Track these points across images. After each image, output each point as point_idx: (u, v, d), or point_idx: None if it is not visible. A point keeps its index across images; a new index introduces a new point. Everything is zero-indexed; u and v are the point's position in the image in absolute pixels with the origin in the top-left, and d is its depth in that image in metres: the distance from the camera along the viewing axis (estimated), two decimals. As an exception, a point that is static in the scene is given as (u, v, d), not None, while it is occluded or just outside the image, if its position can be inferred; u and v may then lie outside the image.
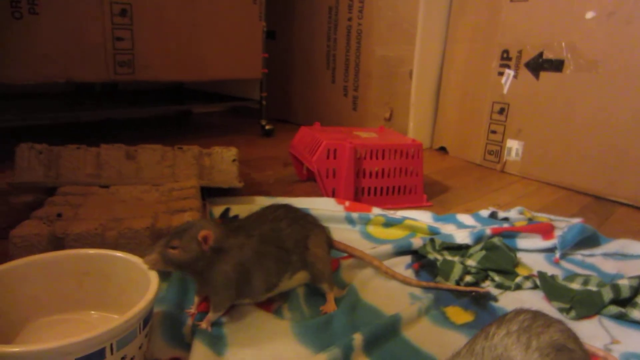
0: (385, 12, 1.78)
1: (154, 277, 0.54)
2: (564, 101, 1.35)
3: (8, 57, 1.25)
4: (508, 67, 1.49)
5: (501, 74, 1.51)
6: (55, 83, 1.37)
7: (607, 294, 0.69)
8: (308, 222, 0.68)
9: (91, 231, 0.65)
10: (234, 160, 0.99)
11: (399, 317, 0.62)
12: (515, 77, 1.48)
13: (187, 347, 0.56)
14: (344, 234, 0.91)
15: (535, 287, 0.75)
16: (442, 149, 1.78)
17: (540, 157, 1.43)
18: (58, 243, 0.65)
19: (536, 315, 0.47)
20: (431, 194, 1.22)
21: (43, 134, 1.63)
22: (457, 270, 0.76)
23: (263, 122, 1.85)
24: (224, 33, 1.65)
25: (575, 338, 0.46)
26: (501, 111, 1.53)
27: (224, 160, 0.98)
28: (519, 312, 0.47)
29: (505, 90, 1.51)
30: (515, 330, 0.45)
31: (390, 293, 0.71)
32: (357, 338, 0.57)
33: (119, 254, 0.58)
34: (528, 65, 1.44)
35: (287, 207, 0.69)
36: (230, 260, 0.58)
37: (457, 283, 0.74)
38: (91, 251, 0.59)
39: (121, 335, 0.46)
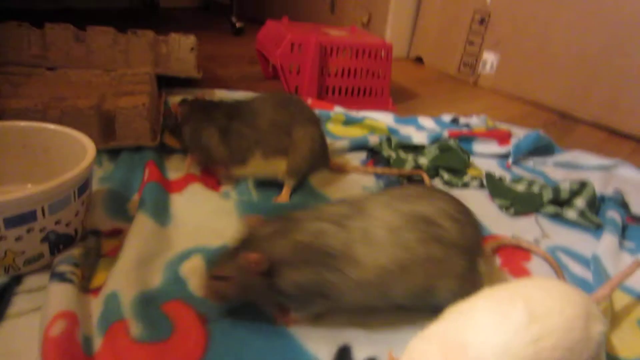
0: None
1: (91, 149, 0.52)
2: (545, 17, 1.31)
3: None
4: None
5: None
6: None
7: (547, 195, 0.72)
8: (301, 114, 0.67)
9: (31, 107, 0.63)
10: (192, 49, 0.94)
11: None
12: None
13: (130, 219, 0.57)
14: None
15: (482, 186, 0.77)
16: (419, 60, 1.73)
17: (513, 72, 1.41)
18: (-4, 117, 0.62)
19: (426, 189, 0.47)
20: (398, 99, 1.20)
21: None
22: (408, 166, 0.77)
23: (234, 20, 1.76)
24: None
25: (455, 218, 0.44)
26: (481, 21, 1.48)
27: (181, 48, 0.93)
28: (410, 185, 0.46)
29: (488, 2, 1.45)
30: (396, 195, 0.45)
31: (345, 185, 0.72)
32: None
33: (58, 127, 0.56)
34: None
35: (292, 98, 0.68)
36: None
37: (407, 178, 0.76)
38: (27, 123, 0.57)
39: (53, 199, 0.46)
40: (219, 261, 0.43)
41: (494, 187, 0.76)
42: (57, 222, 0.47)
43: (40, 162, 0.58)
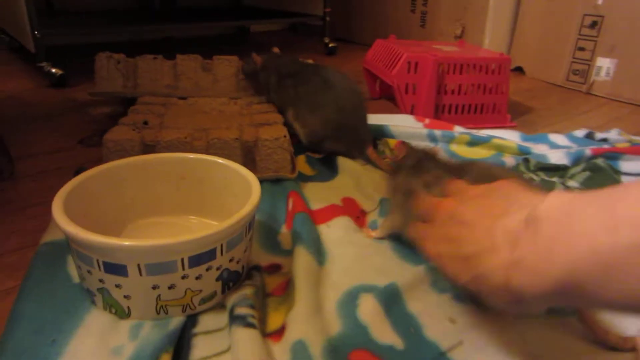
0: None
1: (255, 183, 0.52)
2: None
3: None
4: None
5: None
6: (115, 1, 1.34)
7: None
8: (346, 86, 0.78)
9: (181, 139, 0.64)
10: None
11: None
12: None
13: (285, 253, 0.55)
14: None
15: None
16: (518, 69, 1.64)
17: (635, 77, 1.29)
18: (148, 150, 0.64)
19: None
20: (513, 114, 1.13)
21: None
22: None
23: (326, 40, 1.76)
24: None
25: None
26: (593, 25, 1.37)
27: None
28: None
29: (600, 1, 1.34)
30: None
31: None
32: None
33: (217, 159, 0.57)
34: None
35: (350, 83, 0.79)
36: None
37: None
38: (186, 155, 0.58)
39: (231, 237, 0.45)
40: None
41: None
42: (231, 260, 0.47)
43: (197, 192, 0.58)
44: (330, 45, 1.75)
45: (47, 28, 1.21)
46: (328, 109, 0.75)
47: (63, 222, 0.42)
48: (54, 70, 1.21)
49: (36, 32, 1.17)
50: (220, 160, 0.56)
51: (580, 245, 0.28)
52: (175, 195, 0.58)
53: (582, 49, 1.41)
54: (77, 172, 0.71)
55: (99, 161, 0.58)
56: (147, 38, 1.90)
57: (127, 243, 0.41)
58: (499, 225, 0.34)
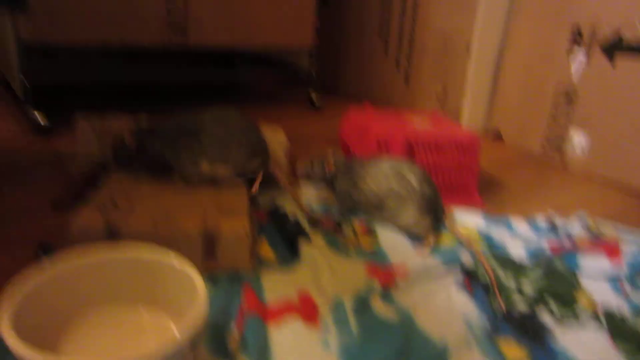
0: (448, -17, 1.66)
1: (202, 292, 0.53)
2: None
3: (62, 19, 1.24)
4: (579, 44, 1.36)
5: (571, 52, 1.38)
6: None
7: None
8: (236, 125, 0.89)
9: (145, 229, 0.66)
10: (280, 143, 0.97)
11: (447, 349, 0.60)
12: (586, 62, 1.35)
13: (230, 357, 0.56)
14: (392, 237, 0.88)
15: (597, 318, 0.70)
16: (497, 135, 1.68)
17: (608, 154, 1.33)
18: (114, 234, 0.67)
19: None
20: (484, 190, 1.16)
21: (88, 92, 1.65)
22: (511, 293, 0.72)
23: (312, 95, 1.80)
24: (276, -1, 1.59)
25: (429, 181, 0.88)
26: (567, 98, 1.42)
27: (270, 143, 0.96)
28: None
29: (575, 76, 1.39)
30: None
31: (445, 319, 0.68)
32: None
33: (173, 261, 0.58)
34: (603, 47, 1.30)
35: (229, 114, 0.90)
36: None
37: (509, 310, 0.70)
38: (145, 255, 0.60)
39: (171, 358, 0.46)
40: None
41: (615, 327, 0.68)
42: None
43: (150, 287, 0.60)
44: (316, 104, 1.79)
45: (34, 73, 1.20)
46: (241, 142, 0.87)
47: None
48: (39, 117, 1.21)
49: (22, 77, 1.17)
50: (175, 262, 0.58)
51: None
52: (129, 288, 0.60)
53: (556, 119, 1.45)
54: (41, 248, 0.73)
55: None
56: (136, 80, 1.93)
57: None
58: None
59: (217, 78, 2.18)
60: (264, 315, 0.63)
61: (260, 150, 0.91)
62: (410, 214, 0.85)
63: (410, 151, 1.01)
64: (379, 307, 0.68)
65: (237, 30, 1.55)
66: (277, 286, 0.70)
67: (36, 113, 1.22)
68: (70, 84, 1.75)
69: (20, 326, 0.46)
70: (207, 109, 0.89)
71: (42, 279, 0.53)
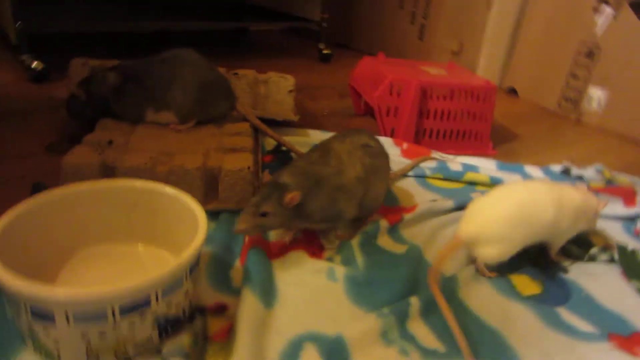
0: None
1: (202, 219, 0.50)
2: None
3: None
4: (607, 3, 1.29)
5: (597, 10, 1.31)
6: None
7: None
8: (184, 63, 0.80)
9: (141, 166, 0.63)
10: (290, 91, 0.92)
11: (456, 279, 0.58)
12: (614, 17, 1.28)
13: (234, 292, 0.54)
14: (402, 181, 0.85)
15: (612, 260, 0.67)
16: (512, 91, 1.62)
17: (625, 110, 1.27)
18: (109, 172, 0.63)
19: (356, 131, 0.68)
20: (497, 141, 1.11)
21: (94, 42, 1.60)
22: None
23: (321, 46, 1.74)
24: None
25: (376, 139, 0.69)
26: (589, 54, 1.35)
27: (280, 90, 0.91)
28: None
29: (599, 31, 1.32)
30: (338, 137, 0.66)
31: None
32: (414, 303, 0.53)
33: (167, 189, 0.55)
34: (632, 3, 1.23)
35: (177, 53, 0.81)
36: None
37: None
38: (140, 183, 0.56)
39: (166, 284, 0.44)
40: (259, 201, 0.55)
41: (629, 264, 0.66)
42: (168, 305, 0.45)
43: (148, 221, 0.57)
44: (324, 52, 1.73)
45: (29, 18, 1.14)
46: (186, 82, 0.78)
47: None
48: (34, 64, 1.16)
49: (17, 23, 1.12)
50: (170, 190, 0.55)
51: None
52: (126, 223, 0.57)
53: (575, 76, 1.39)
54: (35, 188, 0.70)
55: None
56: (142, 31, 1.87)
57: (52, 292, 0.40)
58: None
59: (225, 28, 2.11)
60: (267, 251, 0.61)
61: (221, 91, 0.83)
62: None
63: (423, 96, 0.97)
64: (385, 241, 0.66)
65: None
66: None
67: (32, 60, 1.17)
68: (71, 31, 1.69)
69: (7, 254, 0.43)
70: (165, 51, 0.82)
71: (30, 205, 0.50)
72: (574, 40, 1.38)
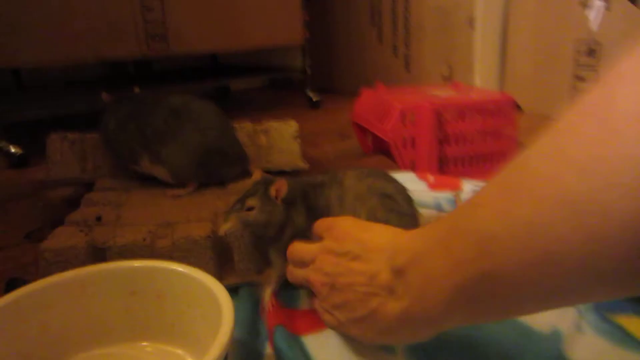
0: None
1: (224, 299, 0.38)
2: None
3: (36, 39, 1.12)
4: None
5: (586, 5, 1.26)
6: (87, 69, 1.25)
7: None
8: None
9: (138, 242, 0.51)
10: (295, 137, 0.83)
11: (559, 335, 0.45)
12: (607, 8, 1.23)
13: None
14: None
15: None
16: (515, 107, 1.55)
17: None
18: (99, 255, 0.51)
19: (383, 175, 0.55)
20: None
21: (79, 125, 1.52)
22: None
23: (310, 94, 1.67)
24: (259, -5, 1.47)
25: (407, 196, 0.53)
26: (590, 53, 1.29)
27: (283, 138, 0.82)
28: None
29: (594, 26, 1.26)
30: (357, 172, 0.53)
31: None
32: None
33: (175, 266, 0.44)
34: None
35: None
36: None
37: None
38: (139, 263, 0.45)
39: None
40: (244, 196, 0.49)
41: None
42: None
43: (153, 312, 0.45)
44: (314, 99, 1.66)
45: (5, 105, 1.14)
46: (186, 143, 0.70)
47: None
48: (13, 150, 1.11)
49: None
50: (179, 268, 0.43)
51: (444, 283, 0.31)
52: (125, 316, 0.45)
53: (581, 78, 1.33)
54: (9, 285, 0.58)
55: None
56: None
57: None
58: (374, 284, 0.36)
59: (207, 90, 2.06)
60: (297, 325, 0.48)
61: (231, 156, 0.74)
62: None
63: (439, 121, 0.88)
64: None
65: (222, 35, 1.43)
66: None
67: (10, 146, 1.11)
68: (48, 116, 1.62)
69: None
70: (177, 92, 0.76)
71: None
72: (568, 41, 1.32)
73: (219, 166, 0.72)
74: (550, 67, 1.40)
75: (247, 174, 0.73)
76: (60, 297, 0.42)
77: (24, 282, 0.56)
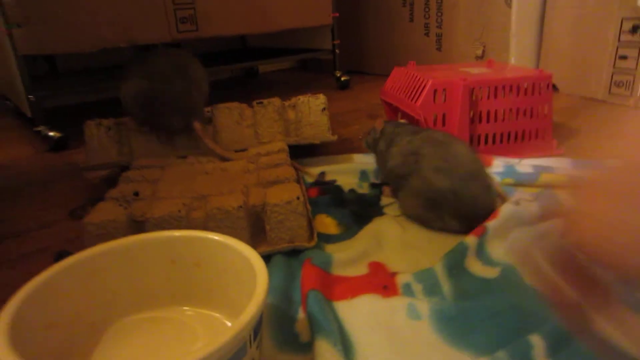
0: None
1: (259, 266, 0.40)
2: None
3: (68, 25, 1.15)
4: None
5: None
6: (118, 54, 1.28)
7: None
8: None
9: (174, 214, 0.53)
10: (323, 110, 0.83)
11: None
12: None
13: (304, 349, 0.43)
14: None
15: None
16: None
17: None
18: (138, 227, 0.54)
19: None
20: (557, 139, 0.99)
21: (114, 109, 1.56)
22: None
23: (337, 74, 1.67)
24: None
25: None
26: (634, 29, 1.24)
27: (312, 111, 0.82)
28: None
29: None
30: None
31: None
32: (537, 344, 0.40)
33: (212, 236, 0.45)
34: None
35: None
36: None
37: None
38: (178, 233, 0.47)
39: (226, 356, 0.33)
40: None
41: None
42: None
43: (192, 279, 0.46)
44: (342, 79, 1.66)
45: (42, 91, 1.16)
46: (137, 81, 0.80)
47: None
48: (51, 133, 1.15)
49: (30, 96, 1.11)
50: (215, 237, 0.45)
51: None
52: (166, 283, 0.47)
53: (624, 57, 1.27)
54: (58, 257, 0.61)
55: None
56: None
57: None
58: None
59: (236, 72, 2.08)
60: (331, 291, 0.49)
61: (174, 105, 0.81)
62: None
63: (474, 99, 0.86)
64: (474, 265, 0.54)
65: (250, 18, 1.43)
66: (345, 259, 0.56)
67: (49, 130, 1.15)
68: (81, 101, 1.68)
69: (25, 338, 0.34)
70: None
71: (48, 276, 0.40)
72: (612, 21, 1.27)
73: (160, 113, 0.79)
74: (589, 47, 1.35)
75: (190, 127, 0.80)
76: (107, 265, 0.44)
77: (70, 254, 0.59)
